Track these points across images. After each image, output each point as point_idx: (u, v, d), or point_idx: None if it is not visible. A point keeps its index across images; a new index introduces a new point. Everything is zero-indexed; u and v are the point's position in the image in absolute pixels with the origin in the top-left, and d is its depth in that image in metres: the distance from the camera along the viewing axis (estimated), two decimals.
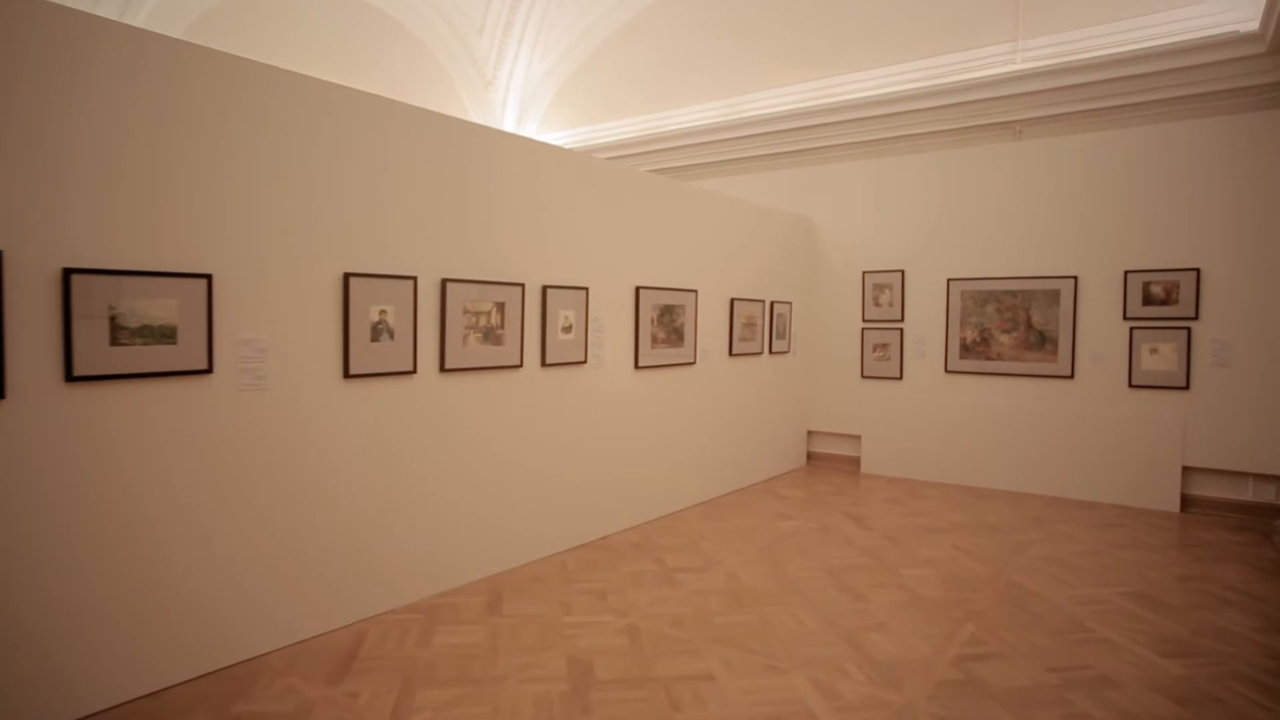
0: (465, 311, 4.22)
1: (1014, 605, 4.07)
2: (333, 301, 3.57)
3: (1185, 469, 6.11)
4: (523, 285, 4.54)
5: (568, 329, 4.89)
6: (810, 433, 7.98)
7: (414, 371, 3.96)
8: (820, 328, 7.83)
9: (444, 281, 4.08)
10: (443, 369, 4.10)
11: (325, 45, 8.81)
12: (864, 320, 7.55)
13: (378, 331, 3.79)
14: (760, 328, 6.97)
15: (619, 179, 5.30)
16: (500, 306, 4.42)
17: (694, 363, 6.09)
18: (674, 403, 5.90)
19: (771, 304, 7.13)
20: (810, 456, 7.97)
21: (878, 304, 7.46)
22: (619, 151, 9.59)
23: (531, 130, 10.35)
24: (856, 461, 7.64)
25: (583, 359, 5.00)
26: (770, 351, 7.16)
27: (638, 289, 5.46)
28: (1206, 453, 5.99)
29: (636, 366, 5.49)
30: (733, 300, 6.55)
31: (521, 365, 4.56)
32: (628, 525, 5.46)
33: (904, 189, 7.28)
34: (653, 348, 5.63)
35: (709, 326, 6.29)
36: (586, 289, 5.00)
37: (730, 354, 6.57)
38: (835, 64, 7.74)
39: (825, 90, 7.82)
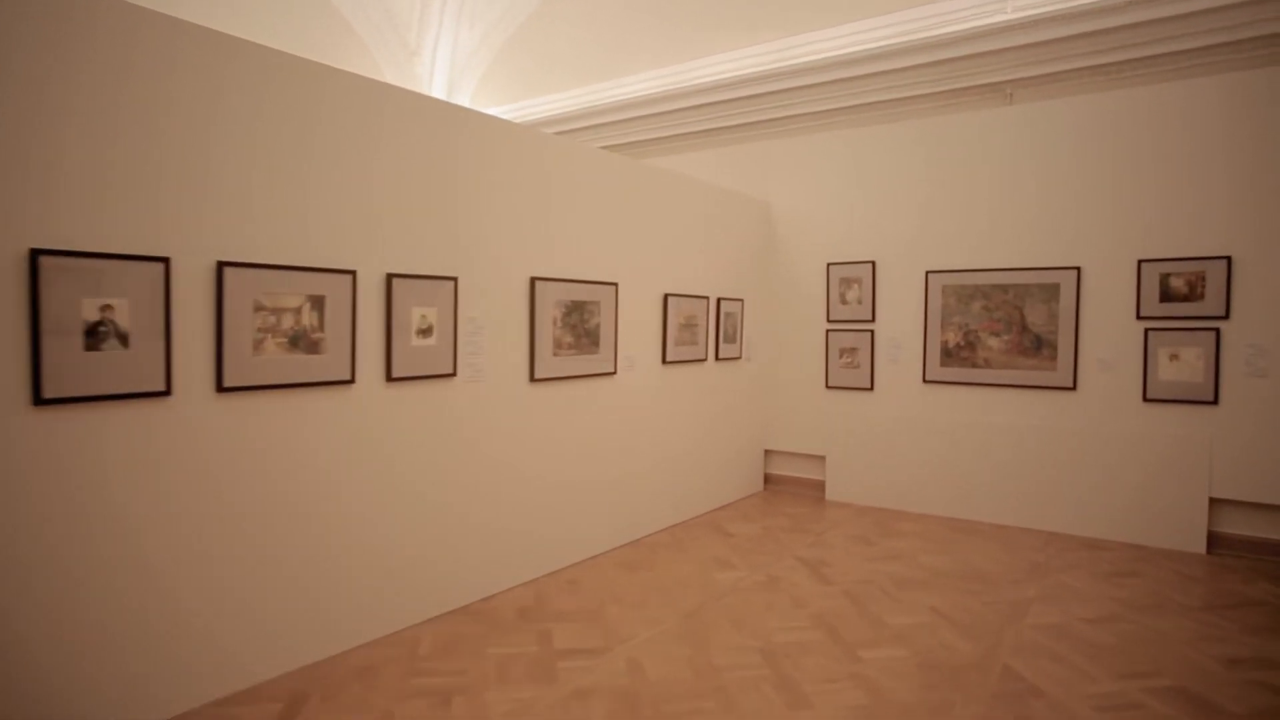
0: (258, 309, 3.04)
1: (1012, 712, 2.93)
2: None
3: (1213, 501, 5.01)
4: (354, 273, 3.37)
5: (425, 331, 3.71)
6: (768, 452, 6.84)
7: (168, 392, 2.77)
8: (778, 329, 6.69)
9: (220, 266, 2.91)
10: (220, 388, 2.92)
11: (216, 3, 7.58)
12: (829, 321, 6.42)
13: (99, 335, 2.60)
14: (703, 329, 5.82)
15: (503, 137, 4.14)
16: (317, 302, 3.24)
17: (613, 373, 4.93)
18: (586, 423, 4.74)
19: (718, 301, 5.98)
20: (769, 479, 6.83)
21: (845, 301, 6.33)
22: (560, 127, 8.42)
23: (466, 101, 9.16)
24: (822, 486, 6.51)
25: (450, 371, 3.83)
26: (717, 358, 6.01)
27: (533, 280, 4.30)
28: (1239, 482, 4.90)
29: (533, 379, 4.33)
30: (666, 296, 5.40)
31: (353, 381, 3.39)
32: (521, 581, 4.30)
33: (875, 165, 6.15)
34: (555, 355, 4.47)
35: (634, 328, 5.14)
36: (455, 280, 3.83)
37: (664, 361, 5.42)
38: (797, 20, 6.61)
39: (785, 52, 6.69)
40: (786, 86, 6.60)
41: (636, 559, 4.79)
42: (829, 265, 6.39)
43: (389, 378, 3.55)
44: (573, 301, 4.58)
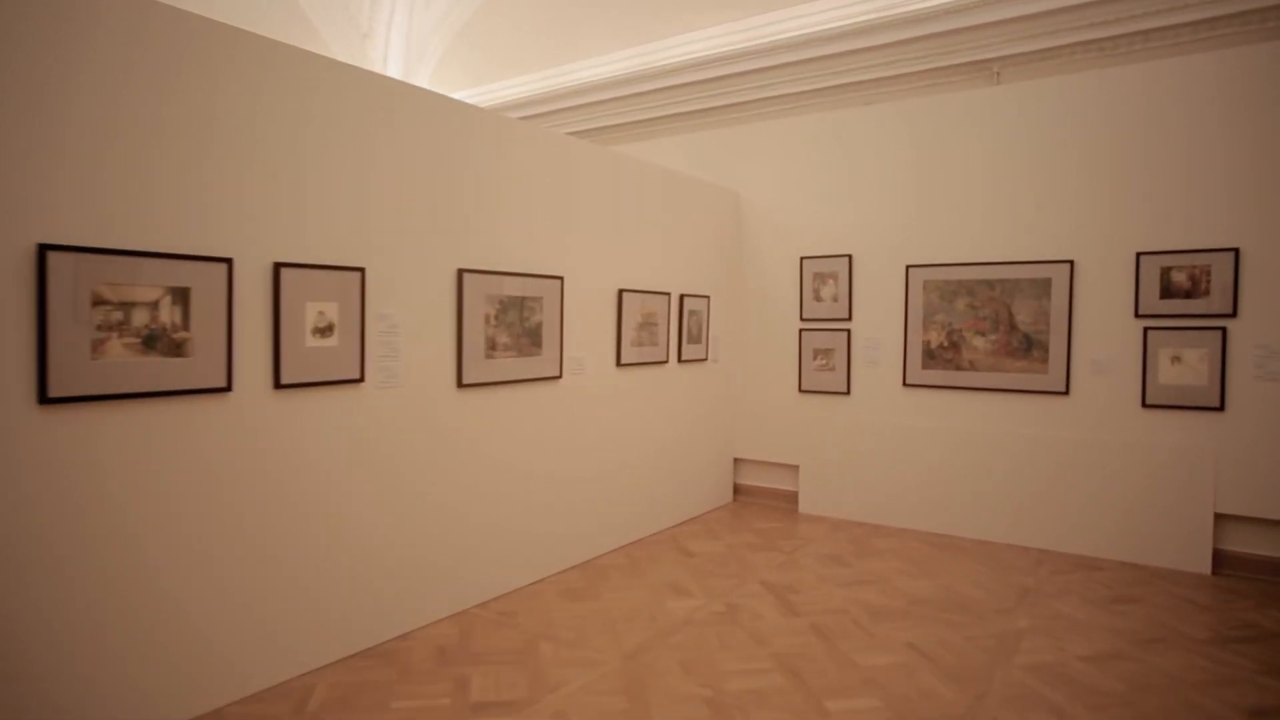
0: (98, 303, 2.52)
1: None
2: None
3: (1218, 517, 4.56)
4: (229, 261, 2.84)
5: (325, 331, 3.19)
6: (738, 461, 6.35)
7: None
8: (747, 329, 6.20)
9: (42, 251, 2.38)
10: (43, 399, 2.39)
11: None
12: (802, 319, 5.94)
13: None
14: (664, 329, 5.32)
15: (426, 110, 3.63)
16: (179, 296, 2.72)
17: (559, 376, 4.42)
18: (527, 433, 4.24)
19: (681, 298, 5.48)
20: (738, 491, 6.34)
21: (819, 299, 5.85)
22: (522, 113, 7.91)
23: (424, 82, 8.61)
24: (795, 497, 6.02)
25: (356, 375, 3.31)
26: (680, 359, 5.51)
27: (461, 273, 3.79)
28: (1247, 496, 4.45)
29: (461, 384, 3.81)
30: (621, 292, 4.90)
31: (229, 388, 2.86)
32: (444, 614, 3.78)
33: (852, 151, 5.68)
34: (489, 357, 3.96)
35: (584, 327, 4.63)
36: (362, 270, 3.31)
37: (619, 364, 4.91)
38: None
39: (755, 30, 6.20)
40: (756, 67, 6.12)
41: (583, 585, 4.28)
42: (802, 259, 5.91)
43: (277, 384, 3.03)
44: (509, 297, 4.07)
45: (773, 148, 6.03)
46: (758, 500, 6.24)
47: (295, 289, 3.07)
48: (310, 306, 3.14)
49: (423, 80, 8.65)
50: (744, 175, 6.17)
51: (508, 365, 4.08)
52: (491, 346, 3.98)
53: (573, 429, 4.56)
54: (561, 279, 4.40)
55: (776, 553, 4.92)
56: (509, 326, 4.08)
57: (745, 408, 6.23)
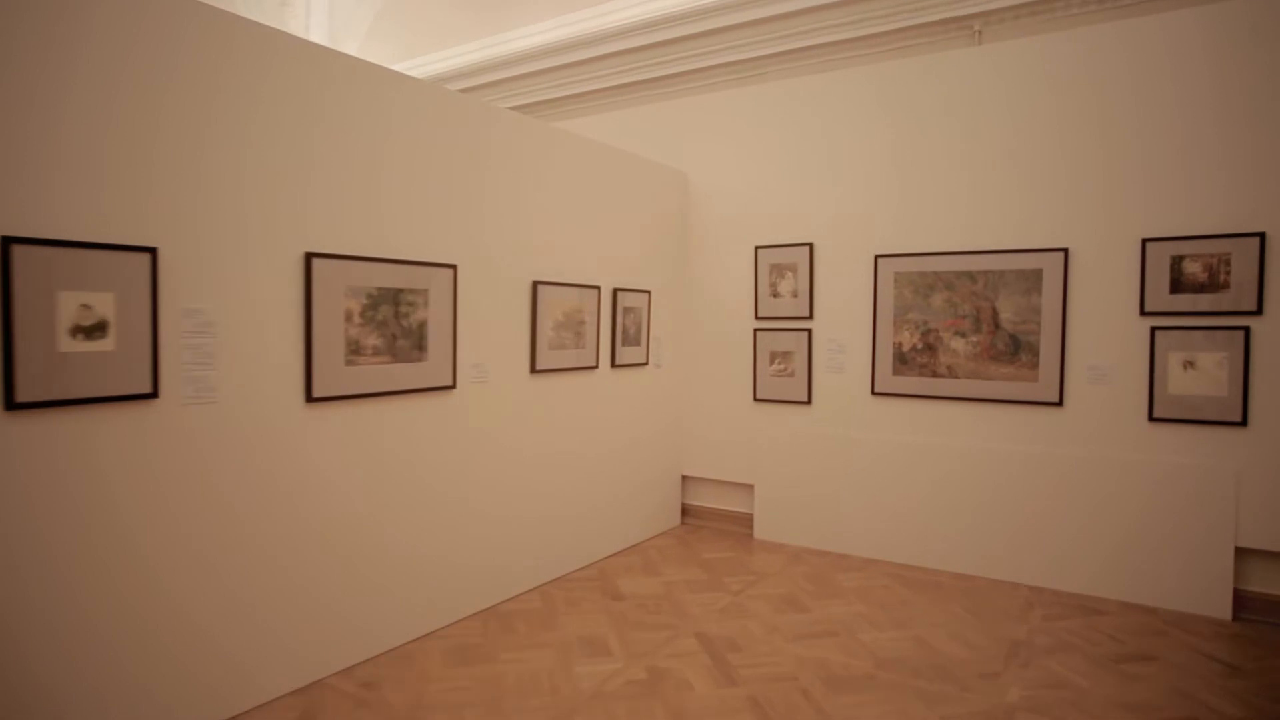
0: None
1: None
2: None
3: (1240, 552, 3.85)
4: None
5: (93, 330, 2.38)
6: (686, 479, 5.58)
7: None
8: (695, 329, 5.43)
9: None
10: None
11: None
12: (757, 317, 5.18)
13: None
14: (593, 329, 4.54)
15: (259, 46, 2.82)
16: None
17: (452, 386, 3.63)
18: (407, 455, 3.44)
19: (615, 293, 4.70)
20: (688, 512, 5.57)
21: (776, 294, 5.09)
22: (459, 84, 7.09)
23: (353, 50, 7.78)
24: (750, 520, 5.26)
25: (148, 389, 2.51)
26: (613, 364, 4.73)
27: (309, 258, 2.99)
28: (1274, 527, 3.74)
29: (311, 398, 3.01)
30: (537, 285, 4.11)
31: None
32: (291, 687, 2.98)
33: (814, 124, 4.92)
34: (352, 364, 3.16)
35: (487, 327, 3.84)
36: (152, 251, 2.51)
37: (533, 370, 4.12)
38: None
39: None
40: (706, 29, 5.35)
41: (478, 641, 3.49)
42: (757, 249, 5.14)
43: (10, 404, 2.21)
44: (381, 289, 3.27)
45: (724, 122, 5.26)
46: (709, 524, 5.48)
47: (36, 274, 2.25)
48: (65, 298, 2.32)
49: (351, 49, 7.80)
50: (693, 153, 5.40)
51: (378, 373, 3.27)
52: (355, 350, 3.18)
53: (472, 449, 3.77)
54: (454, 268, 3.61)
55: (721, 594, 4.15)
56: (381, 326, 3.28)
57: (694, 419, 5.46)
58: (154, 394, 2.54)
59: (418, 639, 3.51)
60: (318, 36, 7.85)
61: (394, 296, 3.33)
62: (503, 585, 3.98)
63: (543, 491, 4.22)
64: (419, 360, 3.47)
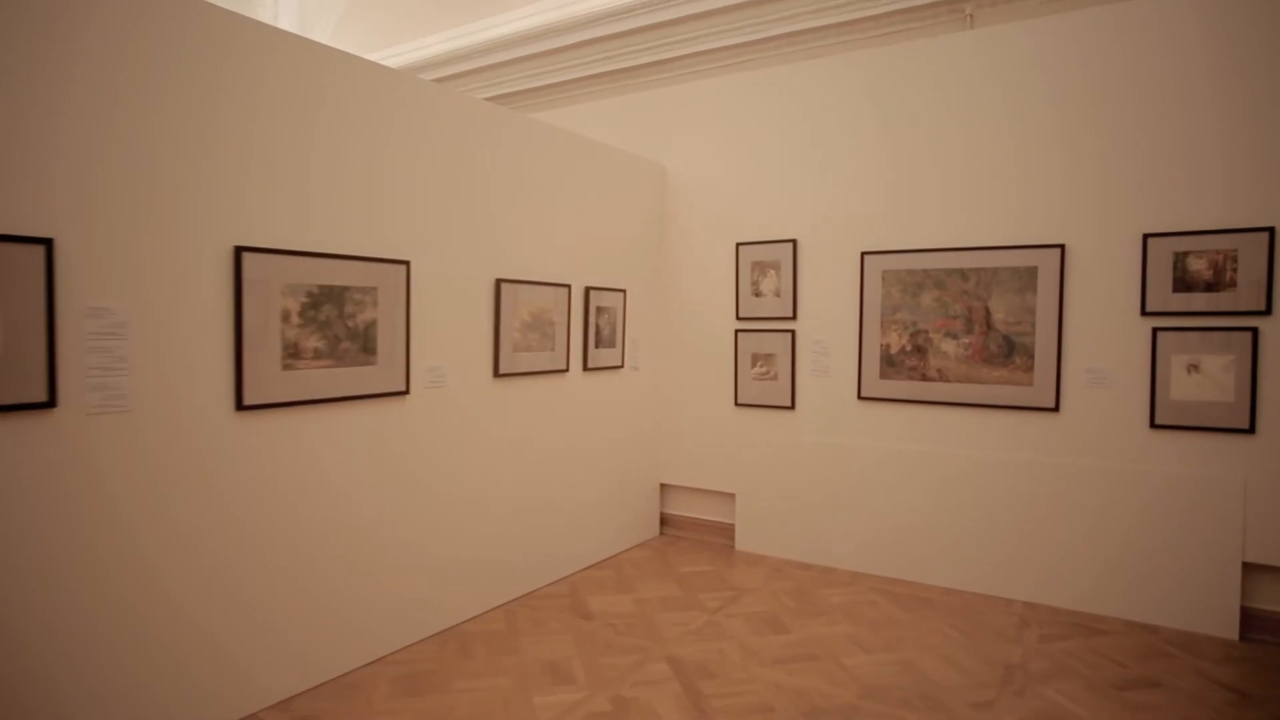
0: None
1: None
2: None
3: (1248, 567, 3.61)
4: None
5: None
6: (665, 487, 5.32)
7: None
8: (674, 330, 5.18)
9: None
10: None
11: None
12: (739, 318, 4.93)
13: None
14: (562, 329, 4.28)
15: (189, 19, 2.55)
16: None
17: (405, 391, 3.36)
18: (355, 466, 3.18)
19: (587, 292, 4.44)
20: (667, 522, 5.31)
21: (758, 293, 4.84)
22: (429, 76, 6.81)
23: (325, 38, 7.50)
24: (732, 531, 5.00)
25: (44, 398, 2.24)
26: (585, 367, 4.47)
27: (239, 252, 2.72)
28: None
29: (242, 405, 2.74)
30: (500, 283, 3.84)
31: None
32: None
33: (797, 115, 4.67)
34: (289, 368, 2.90)
35: (444, 328, 3.58)
36: (48, 243, 2.24)
37: (496, 374, 3.86)
38: None
39: None
40: (685, 14, 5.10)
41: (431, 668, 3.23)
42: (738, 246, 4.90)
43: None
44: (324, 286, 3.01)
45: (704, 112, 5.01)
46: (689, 534, 5.22)
47: None
48: None
49: (323, 37, 7.53)
50: (671, 145, 5.15)
51: (321, 378, 3.01)
52: (294, 354, 2.91)
53: (429, 459, 3.51)
54: (407, 264, 3.35)
55: (697, 612, 3.89)
56: (323, 327, 3.02)
57: (672, 425, 5.20)
58: (50, 403, 2.26)
59: (366, 665, 3.24)
60: (289, 26, 7.57)
61: (339, 295, 3.07)
62: (464, 604, 3.72)
63: (508, 503, 3.96)
64: (367, 364, 3.21)
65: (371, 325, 3.21)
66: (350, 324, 3.13)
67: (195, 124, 2.58)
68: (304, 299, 2.94)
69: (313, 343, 2.98)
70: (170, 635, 2.56)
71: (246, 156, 2.74)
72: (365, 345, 3.19)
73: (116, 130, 2.39)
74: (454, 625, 3.67)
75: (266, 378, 2.83)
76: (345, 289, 3.10)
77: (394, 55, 7.12)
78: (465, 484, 3.70)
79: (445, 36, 6.63)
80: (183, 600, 2.59)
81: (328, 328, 3.04)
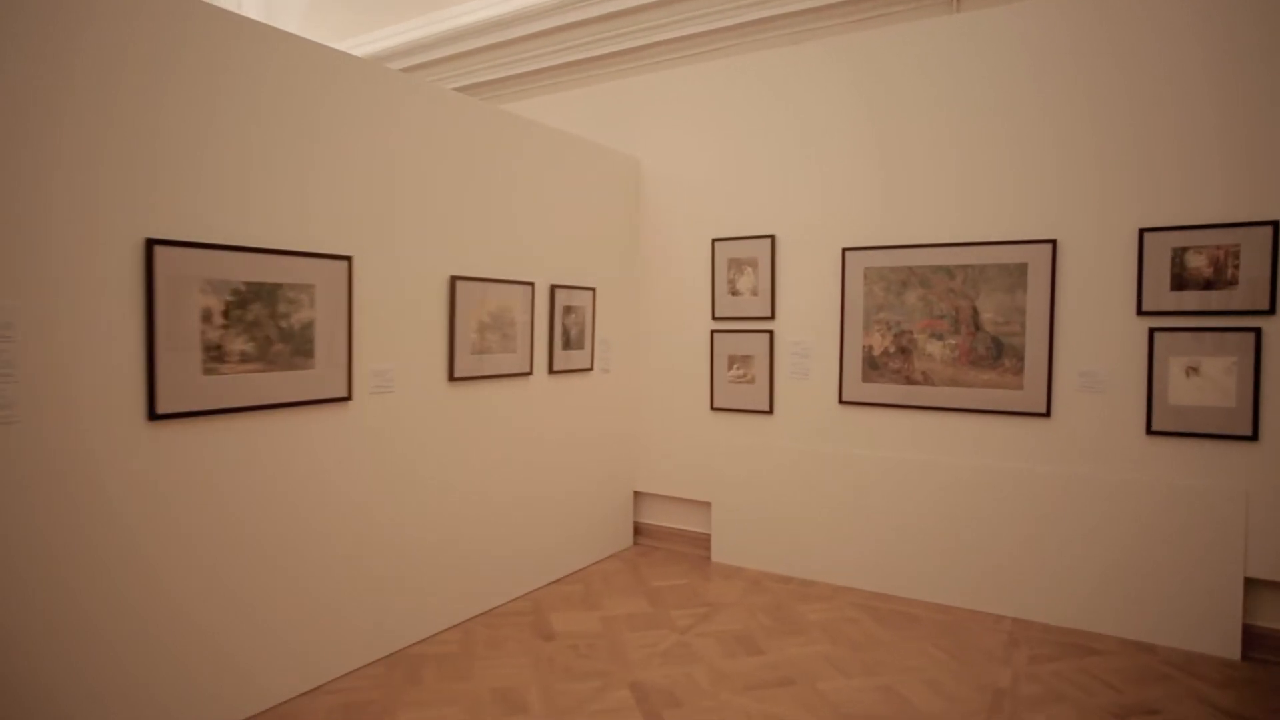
0: None
1: None
2: None
3: (1250, 583, 3.40)
4: None
5: None
6: (639, 495, 5.08)
7: None
8: (647, 330, 4.94)
9: None
10: None
11: None
12: (714, 318, 4.69)
13: None
14: (525, 330, 4.03)
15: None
16: None
17: (347, 397, 3.11)
18: (294, 477, 2.93)
19: (553, 290, 4.20)
20: (641, 532, 5.07)
21: (735, 292, 4.60)
22: (401, 63, 6.56)
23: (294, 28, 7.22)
24: (708, 542, 4.76)
25: None
26: (551, 370, 4.22)
27: (151, 245, 2.46)
28: None
29: (155, 415, 2.48)
30: (455, 280, 3.59)
31: None
32: None
33: (777, 103, 4.44)
34: (213, 372, 2.64)
35: (393, 329, 3.33)
36: None
37: (451, 378, 3.61)
38: None
39: None
40: None
41: (375, 696, 2.98)
42: (714, 242, 4.66)
43: None
44: (251, 284, 2.75)
45: (681, 101, 4.78)
46: (664, 545, 4.98)
47: None
48: None
49: (291, 24, 7.25)
50: (646, 136, 4.91)
51: (248, 384, 2.75)
52: (217, 357, 2.65)
53: (375, 469, 3.25)
54: (349, 260, 3.09)
55: (667, 631, 3.65)
56: (252, 328, 2.76)
57: (646, 430, 4.96)
58: None
59: (303, 694, 2.99)
60: (256, 14, 7.30)
61: (270, 293, 2.81)
62: (416, 624, 3.47)
63: (466, 516, 3.71)
64: (303, 368, 2.95)
65: (308, 326, 2.96)
66: (284, 324, 2.87)
67: (98, 101, 2.33)
68: (229, 297, 2.69)
69: (239, 345, 2.73)
70: (91, 647, 2.30)
71: (157, 138, 2.48)
72: (301, 348, 2.94)
73: (1, 107, 2.13)
74: (405, 647, 3.42)
75: (184, 384, 2.57)
76: (278, 286, 2.84)
77: (360, 45, 6.85)
78: (417, 495, 3.45)
79: (414, 25, 6.37)
80: (95, 630, 2.33)
81: (257, 328, 2.78)
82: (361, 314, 3.18)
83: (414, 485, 3.43)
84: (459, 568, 3.69)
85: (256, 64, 2.76)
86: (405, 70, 6.53)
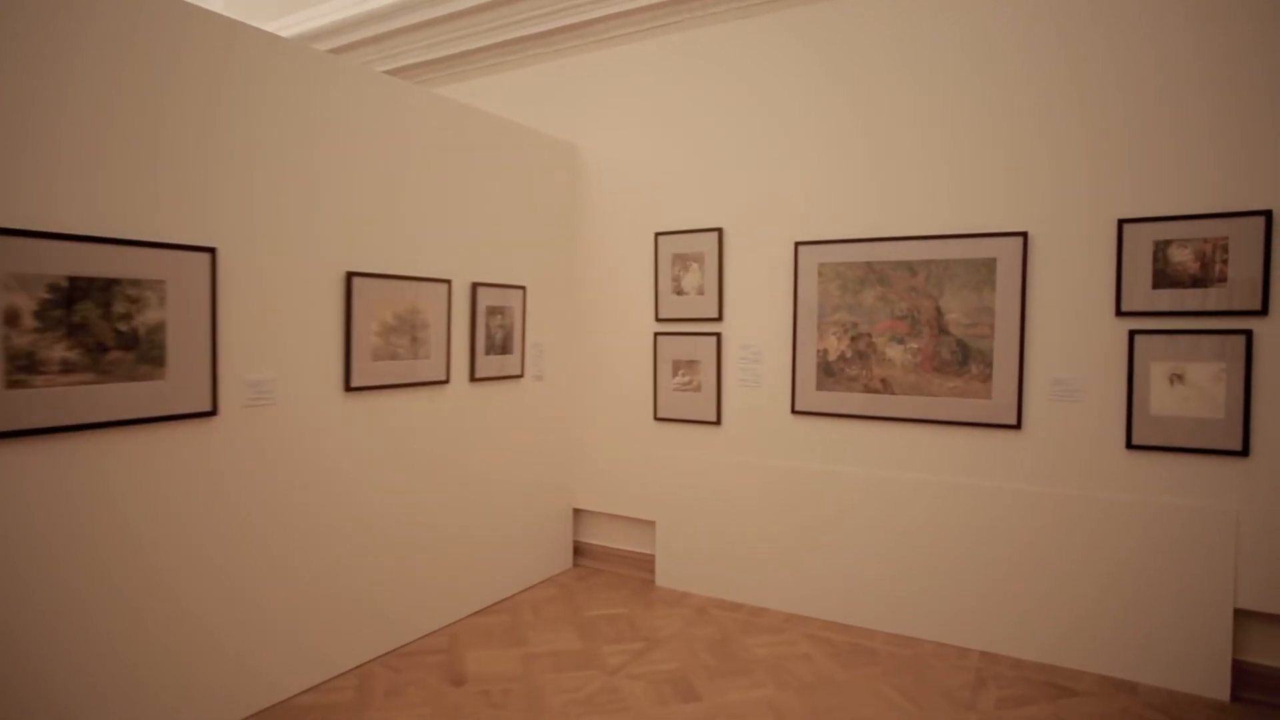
0: None
1: None
2: None
3: (1240, 614, 3.04)
4: None
5: None
6: (579, 513, 4.66)
7: None
8: (586, 332, 4.52)
9: None
10: None
11: None
12: (658, 319, 4.28)
13: None
14: (441, 334, 3.59)
15: None
16: None
17: (211, 412, 2.66)
18: (128, 509, 2.48)
19: (474, 289, 3.77)
20: (582, 552, 4.65)
21: (680, 291, 4.20)
22: (328, 44, 6.08)
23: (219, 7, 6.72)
24: (653, 563, 4.35)
25: None
26: (473, 377, 3.79)
27: None
28: (1279, 584, 2.95)
29: None
30: (351, 278, 3.15)
31: None
32: None
33: (724, 84, 4.05)
34: (20, 386, 2.19)
35: (274, 331, 2.89)
36: None
37: (349, 387, 3.16)
38: None
39: None
40: None
41: None
42: (657, 236, 4.25)
43: None
44: (77, 279, 2.30)
45: (623, 82, 4.37)
46: (607, 567, 4.56)
47: None
48: None
49: (217, 6, 6.73)
50: (586, 121, 4.49)
51: (74, 398, 2.30)
52: (29, 367, 2.20)
53: (253, 493, 2.81)
54: (213, 251, 2.64)
55: (594, 672, 3.24)
56: (78, 331, 2.31)
57: (586, 442, 4.54)
58: None
59: None
60: None
61: (103, 289, 2.36)
62: (306, 670, 3.02)
63: (368, 543, 3.27)
64: (151, 378, 2.50)
65: (158, 329, 2.51)
66: (123, 327, 2.42)
67: None
68: (45, 294, 2.24)
69: (60, 352, 2.27)
70: None
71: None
72: (148, 355, 2.49)
73: None
74: (289, 698, 2.98)
75: None
76: (114, 282, 2.39)
77: (288, 26, 6.36)
78: (305, 521, 3.01)
79: (340, 4, 5.89)
80: None
81: (85, 332, 2.33)
82: (231, 315, 2.73)
83: (301, 510, 2.99)
84: (360, 602, 3.25)
85: (94, 20, 2.31)
86: (332, 51, 6.05)
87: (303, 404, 3.00)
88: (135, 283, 2.45)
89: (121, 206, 2.41)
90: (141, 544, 2.48)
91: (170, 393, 2.55)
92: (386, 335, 3.32)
